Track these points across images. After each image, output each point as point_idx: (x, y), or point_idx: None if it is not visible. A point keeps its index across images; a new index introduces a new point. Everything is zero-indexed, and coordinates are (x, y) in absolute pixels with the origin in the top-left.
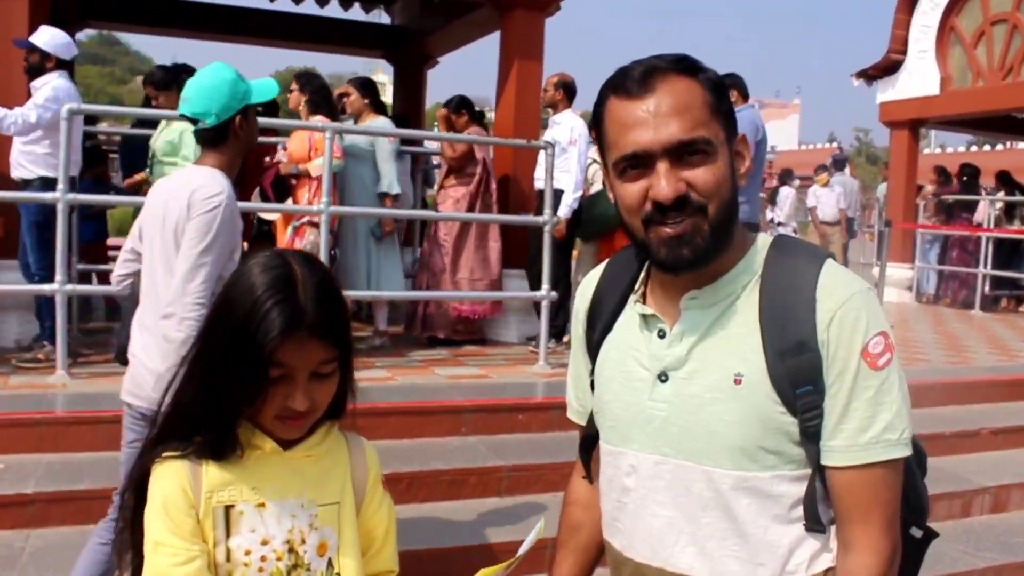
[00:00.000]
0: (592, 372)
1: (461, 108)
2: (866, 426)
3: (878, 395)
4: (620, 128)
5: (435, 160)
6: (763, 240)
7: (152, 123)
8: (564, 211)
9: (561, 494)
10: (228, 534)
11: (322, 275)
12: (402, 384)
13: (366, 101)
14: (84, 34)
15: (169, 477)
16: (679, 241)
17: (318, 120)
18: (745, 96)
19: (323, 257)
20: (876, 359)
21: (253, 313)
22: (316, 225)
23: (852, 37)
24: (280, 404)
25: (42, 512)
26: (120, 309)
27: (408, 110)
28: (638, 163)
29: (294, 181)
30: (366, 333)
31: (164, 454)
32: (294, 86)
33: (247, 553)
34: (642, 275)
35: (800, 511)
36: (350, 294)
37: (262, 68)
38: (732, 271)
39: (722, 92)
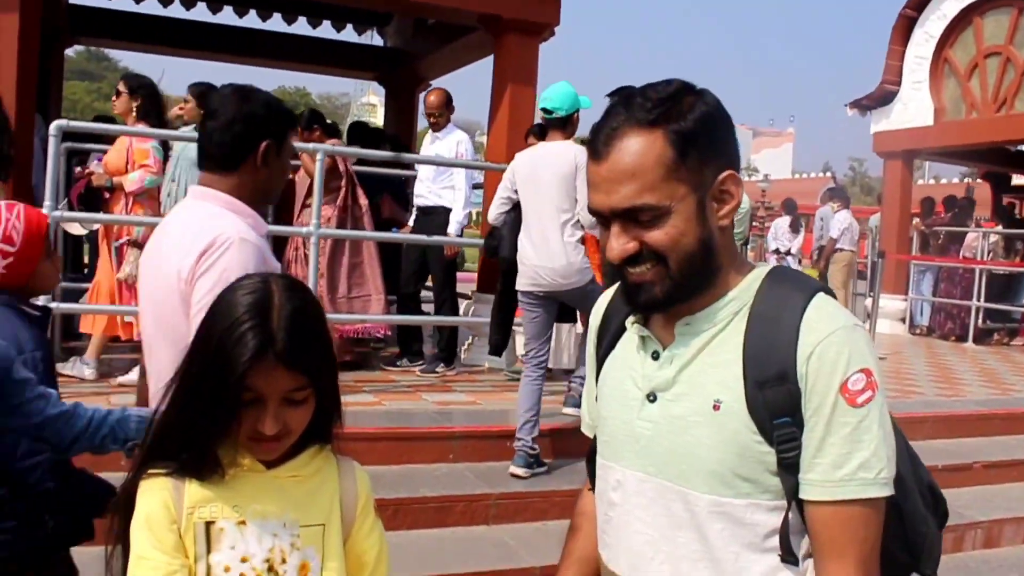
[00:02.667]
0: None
1: (312, 124)
2: (841, 463)
3: (856, 432)
4: (588, 186)
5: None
6: (761, 270)
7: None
8: (454, 228)
9: (549, 523)
10: (209, 550)
11: (300, 303)
12: (390, 409)
13: (202, 110)
14: (72, 50)
15: (152, 493)
16: (639, 289)
17: (141, 128)
18: None
19: None
20: (855, 396)
21: (227, 336)
22: (140, 247)
23: (847, 66)
24: (251, 427)
25: None
26: None
27: (399, 132)
28: (602, 219)
29: (107, 195)
30: None
31: (150, 471)
32: (122, 88)
33: (227, 570)
34: None
35: (775, 541)
36: None
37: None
38: (724, 299)
39: (693, 143)
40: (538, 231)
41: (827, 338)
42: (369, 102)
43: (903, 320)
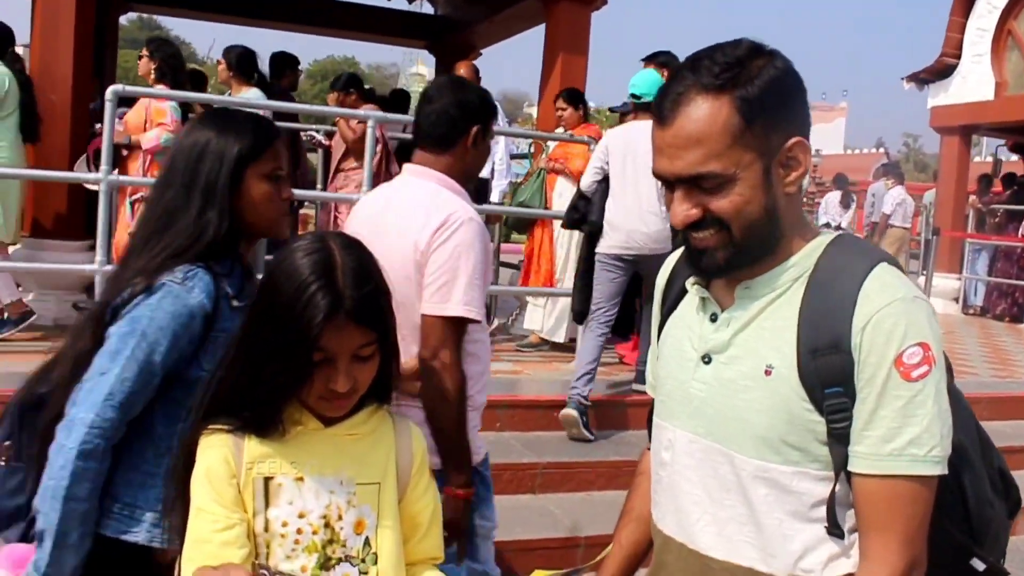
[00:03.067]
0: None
1: (349, 87)
2: (891, 437)
3: (908, 407)
4: (653, 150)
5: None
6: (825, 237)
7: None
8: (496, 196)
9: (595, 493)
10: (267, 505)
11: (361, 259)
12: None
13: (231, 73)
14: (125, 18)
15: (213, 448)
16: (701, 253)
17: (160, 89)
18: None
19: None
20: (910, 370)
21: (295, 299)
22: None
23: (903, 39)
24: (323, 386)
25: None
26: None
27: None
28: (666, 183)
29: (125, 152)
30: None
31: (211, 426)
32: (144, 51)
33: (284, 525)
34: None
35: (821, 512)
36: None
37: (303, 56)
38: (785, 264)
39: (760, 109)
40: (634, 199)
41: (884, 308)
42: (418, 72)
43: (956, 300)
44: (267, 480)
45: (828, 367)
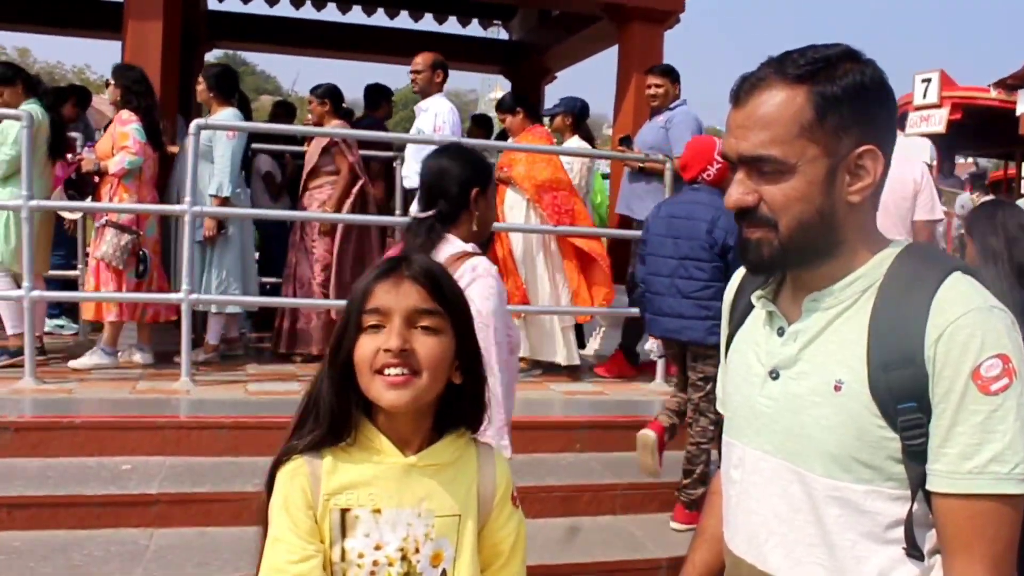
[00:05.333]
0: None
1: (325, 98)
2: (970, 454)
3: (988, 422)
4: (726, 131)
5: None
6: (896, 247)
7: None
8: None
9: None
10: (344, 535)
11: (435, 265)
12: (516, 398)
13: (211, 94)
14: (212, 55)
15: (291, 478)
16: (747, 246)
17: (123, 113)
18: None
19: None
20: (989, 383)
21: (359, 287)
22: (118, 227)
23: (990, 45)
24: (379, 357)
25: (165, 513)
26: None
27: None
28: (731, 164)
29: (97, 179)
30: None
31: (291, 455)
32: (110, 79)
33: (360, 556)
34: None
35: (898, 532)
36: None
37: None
38: (853, 275)
39: (835, 107)
40: None
41: (959, 319)
42: (496, 97)
43: None
44: (344, 512)
45: (900, 381)
